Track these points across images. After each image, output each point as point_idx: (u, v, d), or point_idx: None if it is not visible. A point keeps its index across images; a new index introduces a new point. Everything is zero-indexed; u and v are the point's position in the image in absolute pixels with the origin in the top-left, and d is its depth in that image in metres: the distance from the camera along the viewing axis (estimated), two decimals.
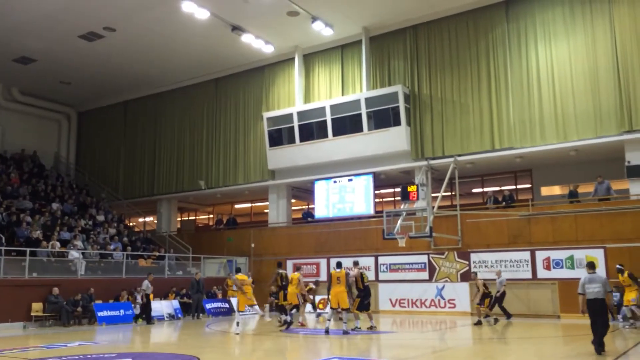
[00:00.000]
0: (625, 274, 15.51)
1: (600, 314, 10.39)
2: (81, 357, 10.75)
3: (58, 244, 20.30)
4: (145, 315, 18.93)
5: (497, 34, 21.14)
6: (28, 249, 18.31)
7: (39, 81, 28.36)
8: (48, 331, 16.17)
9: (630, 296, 15.40)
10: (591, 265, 11.22)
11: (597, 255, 18.10)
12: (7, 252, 18.07)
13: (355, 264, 16.23)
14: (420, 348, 12.55)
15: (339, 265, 15.42)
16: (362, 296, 15.52)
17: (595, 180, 19.44)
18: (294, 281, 16.29)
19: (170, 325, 18.55)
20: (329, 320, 15.11)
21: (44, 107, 31.19)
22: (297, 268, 17.31)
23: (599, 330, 10.31)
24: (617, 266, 15.86)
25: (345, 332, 14.36)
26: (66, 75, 27.88)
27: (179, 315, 20.64)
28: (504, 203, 21.31)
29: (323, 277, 23.53)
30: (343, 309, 14.94)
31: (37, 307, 17.35)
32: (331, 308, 15.27)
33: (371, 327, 15.45)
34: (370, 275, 21.90)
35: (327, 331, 14.55)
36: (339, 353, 11.19)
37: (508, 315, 17.97)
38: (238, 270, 17.94)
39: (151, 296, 19.51)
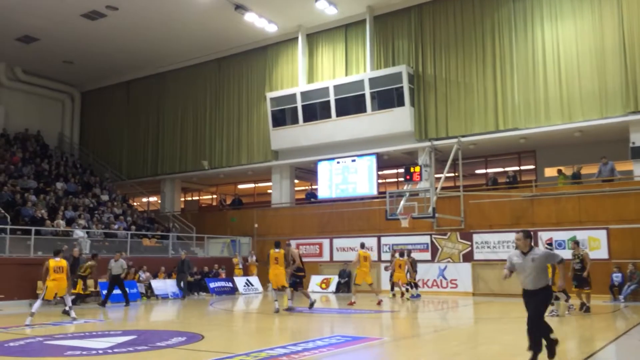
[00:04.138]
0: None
1: None
2: (87, 334, 10.88)
3: (63, 223, 20.42)
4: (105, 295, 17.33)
5: (503, 13, 20.92)
6: (33, 228, 18.43)
7: (42, 60, 28.26)
8: (54, 309, 16.33)
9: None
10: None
11: (600, 236, 18.15)
12: (13, 231, 18.21)
13: (288, 245, 16.22)
14: (422, 327, 12.65)
15: (277, 245, 15.20)
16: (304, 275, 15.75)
17: (599, 161, 19.38)
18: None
19: (174, 303, 18.72)
20: (276, 300, 14.73)
21: (47, 87, 31.15)
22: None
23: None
24: (546, 245, 15.62)
25: (290, 309, 14.43)
26: (69, 55, 27.77)
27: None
28: (507, 180, 21.39)
29: (326, 257, 23.69)
30: (283, 287, 14.90)
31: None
32: (273, 289, 15.03)
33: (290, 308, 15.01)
34: (372, 256, 22.04)
35: (277, 311, 14.37)
36: (342, 331, 11.29)
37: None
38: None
39: (132, 276, 19.10)
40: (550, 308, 13.53)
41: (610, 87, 18.73)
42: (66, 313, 13.70)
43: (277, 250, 14.95)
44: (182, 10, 23.03)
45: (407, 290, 18.90)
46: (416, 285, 19.41)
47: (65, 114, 32.54)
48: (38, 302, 13.02)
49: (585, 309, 13.91)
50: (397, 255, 19.21)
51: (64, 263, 13.38)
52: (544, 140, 21.31)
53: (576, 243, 14.74)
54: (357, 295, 17.36)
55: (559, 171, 21.42)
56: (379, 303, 16.35)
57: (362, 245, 17.80)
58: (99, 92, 32.48)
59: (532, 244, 7.37)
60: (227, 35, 25.57)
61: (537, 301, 7.17)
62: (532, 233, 7.45)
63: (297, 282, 15.34)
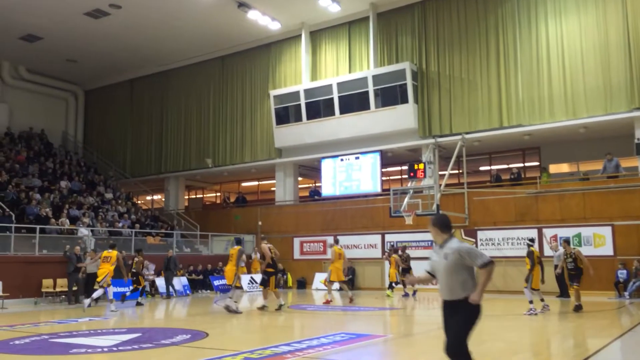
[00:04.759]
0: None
1: None
2: (92, 331, 10.92)
3: (67, 221, 20.48)
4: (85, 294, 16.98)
5: (507, 10, 20.84)
6: (38, 226, 18.49)
7: (45, 59, 28.30)
8: (59, 307, 16.41)
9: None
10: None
11: (605, 232, 18.11)
12: (18, 230, 18.28)
13: (262, 239, 15.50)
14: (426, 324, 12.64)
15: (237, 242, 15.02)
16: (275, 272, 15.10)
17: (604, 157, 19.31)
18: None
19: (178, 301, 18.76)
20: (230, 298, 14.37)
21: (51, 86, 31.18)
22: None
23: None
24: (527, 241, 14.87)
25: (263, 307, 14.26)
26: (72, 53, 27.79)
27: (188, 292, 20.86)
28: (511, 177, 21.37)
29: (330, 255, 23.62)
30: (235, 286, 14.56)
31: (47, 284, 17.57)
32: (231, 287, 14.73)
33: (263, 307, 14.66)
34: (377, 253, 22.08)
35: (227, 309, 14.02)
36: (346, 329, 11.29)
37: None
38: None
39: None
40: (529, 306, 13.23)
41: (614, 83, 18.65)
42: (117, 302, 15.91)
43: (234, 247, 14.80)
44: (185, 8, 23.03)
45: (390, 287, 18.75)
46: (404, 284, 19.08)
47: (69, 113, 32.60)
48: (99, 291, 14.79)
49: (576, 307, 13.43)
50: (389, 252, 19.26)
51: (113, 254, 15.33)
52: (548, 137, 21.25)
53: (567, 242, 14.31)
54: (360, 293, 17.33)
55: (543, 169, 21.52)
56: (328, 302, 16.37)
57: (337, 242, 17.52)
58: (102, 90, 32.51)
59: (452, 233, 5.23)
60: (230, 32, 25.55)
61: (458, 322, 5.01)
62: (448, 221, 5.23)
63: (265, 279, 14.77)
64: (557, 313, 14.00)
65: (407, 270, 18.99)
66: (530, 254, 13.80)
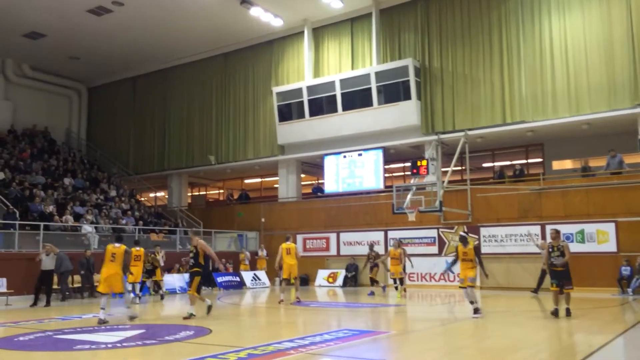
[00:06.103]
0: (470, 245, 12.32)
1: None
2: (95, 328, 10.95)
3: (71, 218, 20.54)
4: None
5: (510, 5, 20.78)
6: (42, 223, 18.54)
7: (48, 56, 28.36)
8: (63, 304, 16.45)
9: (470, 274, 12.18)
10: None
11: (609, 229, 18.07)
12: (22, 227, 18.33)
13: (196, 233, 12.85)
14: (429, 321, 12.64)
15: (118, 239, 12.42)
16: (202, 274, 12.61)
17: (607, 154, 19.27)
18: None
19: (182, 298, 18.80)
20: (103, 308, 11.72)
21: (54, 83, 31.25)
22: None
23: None
24: (461, 233, 12.89)
25: (103, 322, 11.31)
26: (75, 51, 27.84)
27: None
28: (515, 173, 21.42)
29: (333, 252, 23.69)
30: (116, 293, 12.29)
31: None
32: (104, 293, 11.97)
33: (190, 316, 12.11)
34: (379, 250, 22.05)
35: (101, 322, 11.37)
36: (349, 325, 11.31)
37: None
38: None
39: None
40: (474, 306, 12.02)
41: (618, 79, 18.59)
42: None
43: (117, 245, 12.08)
44: (188, 5, 23.03)
45: (396, 288, 17.62)
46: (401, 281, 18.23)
47: (73, 110, 32.65)
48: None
49: (565, 312, 11.64)
50: (391, 247, 18.91)
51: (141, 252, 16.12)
52: (551, 133, 21.20)
53: (557, 232, 12.18)
54: (363, 290, 17.23)
55: (501, 169, 22.26)
56: (280, 302, 15.35)
57: (287, 239, 16.35)
58: (105, 87, 32.58)
59: None
60: (233, 29, 25.55)
61: None
62: None
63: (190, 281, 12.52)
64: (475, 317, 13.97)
65: (373, 268, 18.77)
66: (478, 249, 12.40)
